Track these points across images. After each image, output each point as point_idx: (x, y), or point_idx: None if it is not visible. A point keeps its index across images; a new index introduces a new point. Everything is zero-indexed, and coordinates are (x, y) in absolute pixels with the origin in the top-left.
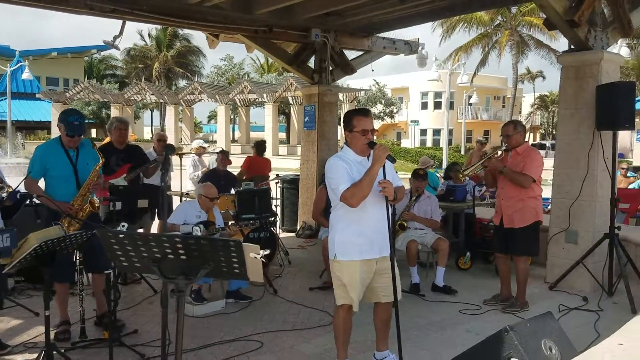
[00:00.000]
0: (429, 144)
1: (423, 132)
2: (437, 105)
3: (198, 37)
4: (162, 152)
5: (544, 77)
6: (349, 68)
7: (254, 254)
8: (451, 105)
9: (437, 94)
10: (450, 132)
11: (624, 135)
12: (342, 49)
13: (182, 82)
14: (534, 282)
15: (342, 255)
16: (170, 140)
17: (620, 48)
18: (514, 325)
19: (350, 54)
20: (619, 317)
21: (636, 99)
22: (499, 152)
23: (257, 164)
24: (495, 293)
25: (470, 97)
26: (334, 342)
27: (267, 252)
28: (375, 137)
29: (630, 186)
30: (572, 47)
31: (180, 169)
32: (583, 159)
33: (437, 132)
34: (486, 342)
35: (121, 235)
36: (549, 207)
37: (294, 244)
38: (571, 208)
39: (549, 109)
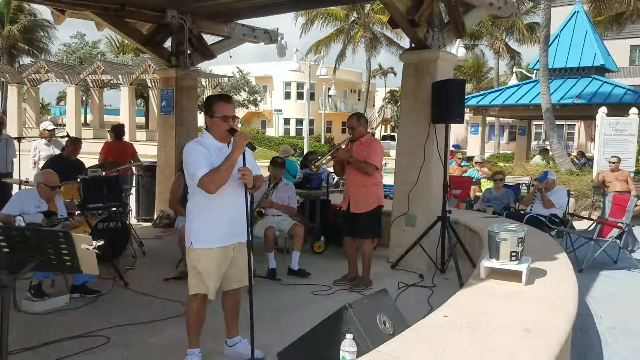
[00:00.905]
0: (292, 133)
1: (286, 121)
2: (300, 96)
3: (46, 12)
4: None
5: (395, 73)
6: (208, 53)
7: (86, 245)
8: (312, 97)
9: (300, 85)
10: (311, 122)
11: (460, 129)
12: (200, 33)
13: (27, 60)
14: (378, 262)
15: (198, 242)
16: (13, 123)
17: (458, 48)
18: (352, 303)
19: (210, 39)
20: (448, 292)
21: (468, 95)
22: (346, 143)
23: (117, 149)
24: (344, 274)
25: (329, 89)
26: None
27: (101, 242)
28: (240, 125)
29: (465, 174)
30: (413, 45)
31: (20, 154)
32: (420, 150)
33: (299, 121)
34: (328, 319)
35: None
36: (392, 193)
37: (150, 234)
38: (410, 194)
39: (398, 103)
